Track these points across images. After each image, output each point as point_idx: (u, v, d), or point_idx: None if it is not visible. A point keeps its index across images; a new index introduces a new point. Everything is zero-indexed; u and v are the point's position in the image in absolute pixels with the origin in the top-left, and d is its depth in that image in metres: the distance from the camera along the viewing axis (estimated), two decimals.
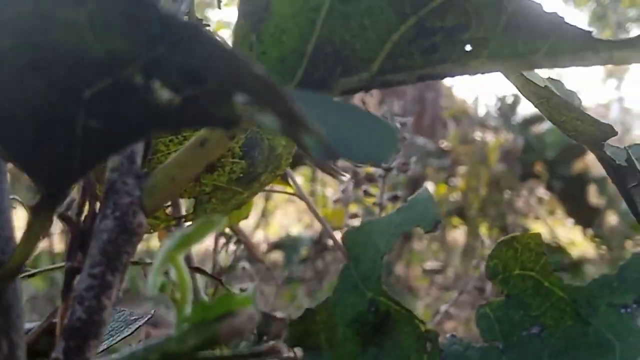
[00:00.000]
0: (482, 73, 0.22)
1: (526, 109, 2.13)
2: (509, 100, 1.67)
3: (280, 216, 3.17)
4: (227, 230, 0.73)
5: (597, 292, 0.51)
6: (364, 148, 0.15)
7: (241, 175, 0.46)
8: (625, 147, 0.40)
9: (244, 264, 0.90)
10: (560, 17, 0.21)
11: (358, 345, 0.54)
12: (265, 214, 2.77)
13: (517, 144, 1.71)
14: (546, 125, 2.12)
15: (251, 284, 0.78)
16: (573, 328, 0.50)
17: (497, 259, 0.50)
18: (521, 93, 0.32)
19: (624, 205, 1.67)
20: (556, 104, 0.31)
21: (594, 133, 0.32)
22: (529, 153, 1.85)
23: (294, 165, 2.40)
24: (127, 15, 0.15)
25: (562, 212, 2.28)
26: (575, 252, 2.22)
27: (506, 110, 1.68)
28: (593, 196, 2.07)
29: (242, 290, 0.69)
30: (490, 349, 0.50)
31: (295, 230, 2.76)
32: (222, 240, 0.72)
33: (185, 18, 0.33)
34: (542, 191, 2.08)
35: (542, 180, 2.01)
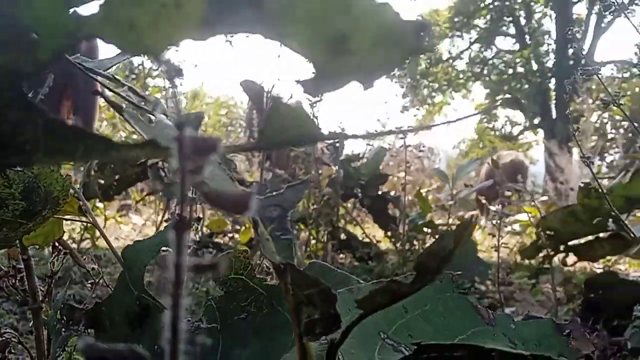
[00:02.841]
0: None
1: (348, 150, 3.06)
2: (337, 144, 2.24)
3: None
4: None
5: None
6: None
7: (24, 212, 0.64)
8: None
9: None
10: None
11: (129, 328, 0.74)
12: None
13: (340, 174, 2.29)
14: (362, 161, 2.95)
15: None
16: (268, 314, 0.72)
17: None
18: None
19: (411, 215, 2.14)
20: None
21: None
22: (349, 180, 2.46)
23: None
24: None
25: (371, 219, 3.09)
26: (381, 246, 3.00)
27: (334, 150, 2.23)
28: (391, 209, 2.74)
29: None
30: (212, 329, 0.72)
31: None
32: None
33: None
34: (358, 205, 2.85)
35: (358, 198, 2.80)
